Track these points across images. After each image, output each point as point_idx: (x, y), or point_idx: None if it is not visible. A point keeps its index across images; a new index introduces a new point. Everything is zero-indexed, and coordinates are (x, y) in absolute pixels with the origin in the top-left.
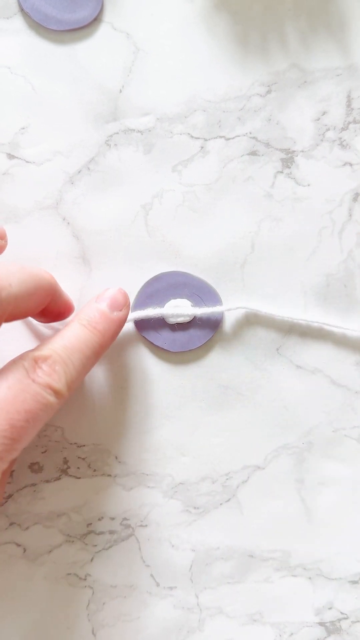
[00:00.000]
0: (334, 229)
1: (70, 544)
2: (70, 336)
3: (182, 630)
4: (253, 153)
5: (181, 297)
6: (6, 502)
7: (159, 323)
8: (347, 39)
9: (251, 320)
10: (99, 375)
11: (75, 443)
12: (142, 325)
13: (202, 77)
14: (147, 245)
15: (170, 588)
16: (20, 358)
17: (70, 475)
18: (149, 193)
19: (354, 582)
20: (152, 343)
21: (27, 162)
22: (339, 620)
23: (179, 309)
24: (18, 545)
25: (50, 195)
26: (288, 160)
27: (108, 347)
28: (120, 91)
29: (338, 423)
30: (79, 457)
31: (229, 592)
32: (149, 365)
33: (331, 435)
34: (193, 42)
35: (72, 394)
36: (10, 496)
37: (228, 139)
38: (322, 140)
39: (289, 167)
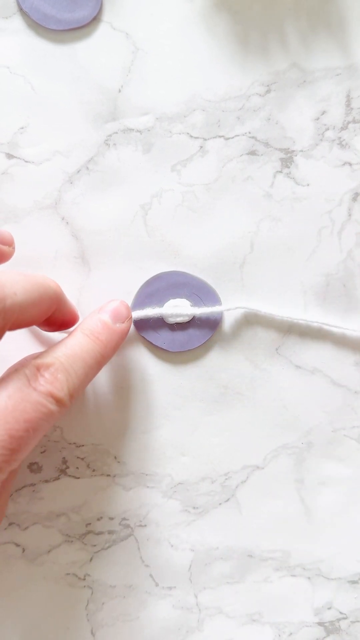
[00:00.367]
0: (334, 228)
1: (70, 544)
2: (74, 345)
3: (182, 630)
4: (252, 153)
5: (180, 297)
6: None
7: (158, 323)
8: (347, 39)
9: (250, 320)
10: (98, 375)
11: (74, 443)
12: (141, 325)
13: (202, 76)
14: (146, 245)
15: (170, 588)
16: (22, 365)
17: (70, 475)
18: (148, 193)
19: (354, 582)
20: (151, 343)
21: (27, 161)
22: (338, 620)
23: (178, 308)
24: (17, 545)
25: (50, 195)
26: (287, 160)
27: (110, 359)
28: (120, 91)
29: (338, 423)
30: (78, 457)
31: (229, 592)
32: (148, 365)
33: (331, 435)
34: (193, 41)
35: (73, 404)
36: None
37: (227, 139)
38: (321, 140)
39: (289, 167)
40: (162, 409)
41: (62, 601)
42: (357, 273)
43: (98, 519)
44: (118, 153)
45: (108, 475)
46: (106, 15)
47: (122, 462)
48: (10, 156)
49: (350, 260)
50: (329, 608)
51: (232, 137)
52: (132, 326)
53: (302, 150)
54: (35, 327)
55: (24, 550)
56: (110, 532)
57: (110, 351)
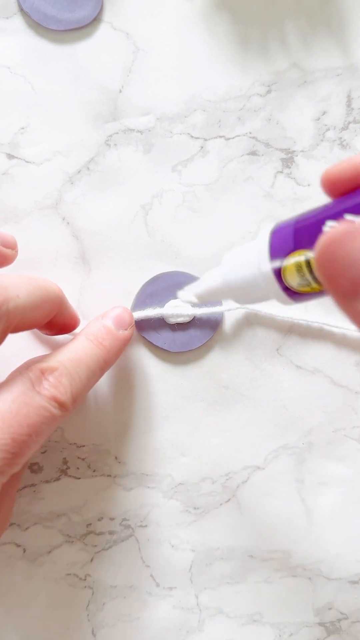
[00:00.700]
0: None
1: (70, 545)
2: (78, 350)
3: (182, 631)
4: (253, 153)
5: None
6: None
7: (159, 323)
8: (347, 39)
9: (251, 321)
10: None
11: (74, 443)
12: (142, 325)
13: (202, 76)
14: (146, 245)
15: (170, 588)
16: (26, 369)
17: (70, 476)
18: (149, 193)
19: (354, 583)
20: (152, 343)
21: (27, 162)
22: (339, 620)
23: (178, 309)
24: (18, 545)
25: (50, 195)
26: (288, 160)
27: (112, 365)
28: (120, 91)
29: (338, 423)
30: (78, 458)
31: (229, 593)
32: (149, 366)
33: (331, 436)
34: (193, 41)
35: (76, 408)
36: None
37: (228, 139)
38: (322, 140)
39: (289, 167)
40: (162, 409)
41: (63, 601)
42: None
43: (99, 520)
44: (118, 153)
45: (109, 476)
46: (106, 16)
47: (122, 462)
48: (10, 156)
49: None
50: (330, 608)
51: (233, 138)
52: None
53: (302, 151)
54: (36, 330)
55: (24, 550)
56: (111, 533)
57: (113, 357)
